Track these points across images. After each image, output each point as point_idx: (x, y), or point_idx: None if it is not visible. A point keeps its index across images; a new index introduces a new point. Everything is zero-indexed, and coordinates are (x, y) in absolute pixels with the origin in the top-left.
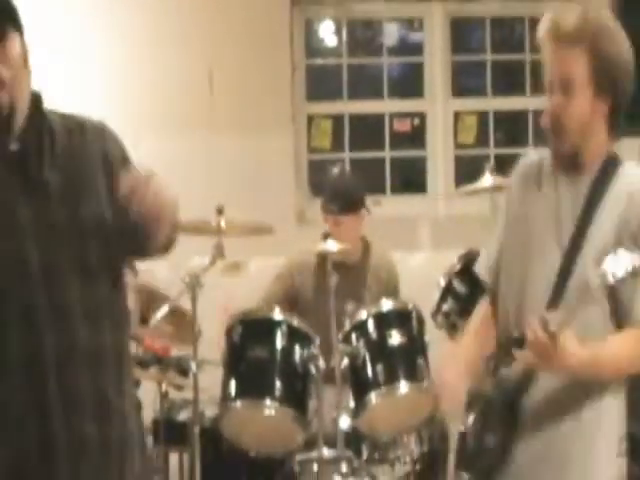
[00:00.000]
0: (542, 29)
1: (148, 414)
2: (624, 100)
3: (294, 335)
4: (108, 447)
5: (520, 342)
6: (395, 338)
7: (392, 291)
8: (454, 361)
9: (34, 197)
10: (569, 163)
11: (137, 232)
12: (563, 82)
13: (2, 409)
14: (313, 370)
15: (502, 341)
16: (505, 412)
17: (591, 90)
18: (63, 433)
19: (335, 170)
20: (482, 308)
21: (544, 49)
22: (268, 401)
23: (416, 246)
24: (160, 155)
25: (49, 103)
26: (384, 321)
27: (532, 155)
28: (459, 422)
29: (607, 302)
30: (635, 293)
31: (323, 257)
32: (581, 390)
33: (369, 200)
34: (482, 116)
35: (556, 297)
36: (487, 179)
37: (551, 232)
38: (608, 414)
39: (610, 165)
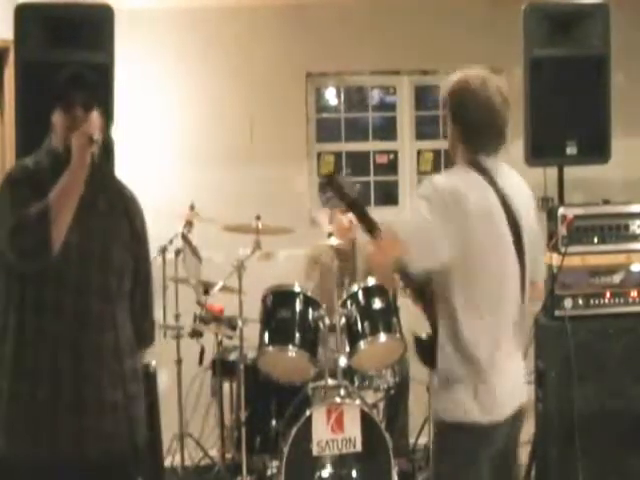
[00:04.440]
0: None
1: (208, 356)
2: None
3: (308, 302)
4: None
5: None
6: (377, 304)
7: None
8: None
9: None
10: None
11: None
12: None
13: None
14: (321, 326)
15: None
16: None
17: (450, 123)
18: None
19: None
20: None
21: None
22: (290, 347)
23: None
24: (219, 179)
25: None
26: (369, 292)
27: None
28: None
29: None
30: None
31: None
32: None
33: None
34: (436, 153)
35: None
36: None
37: None
38: None
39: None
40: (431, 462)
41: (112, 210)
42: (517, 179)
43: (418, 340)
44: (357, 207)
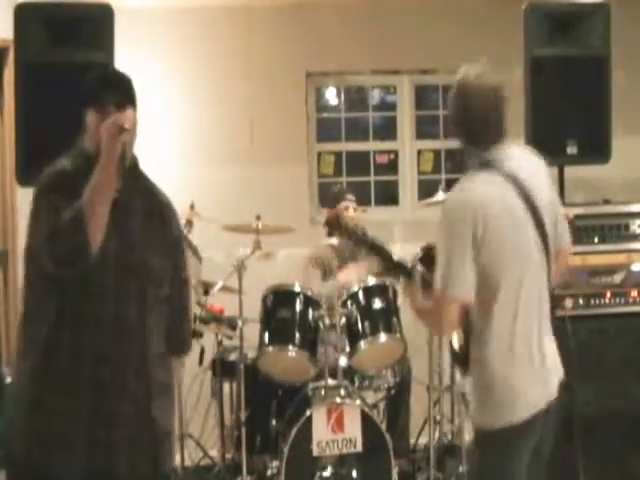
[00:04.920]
0: None
1: (208, 356)
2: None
3: (308, 302)
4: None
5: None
6: (377, 304)
7: None
8: None
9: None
10: None
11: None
12: None
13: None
14: (321, 326)
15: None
16: None
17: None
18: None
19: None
20: None
21: None
22: (290, 347)
23: (391, 241)
24: (219, 179)
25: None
26: (370, 292)
27: None
28: None
29: None
30: None
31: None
32: None
33: (359, 209)
34: (436, 153)
35: None
36: (440, 195)
37: None
38: None
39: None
40: (470, 465)
41: (149, 215)
42: (527, 158)
43: (453, 351)
44: (375, 246)
